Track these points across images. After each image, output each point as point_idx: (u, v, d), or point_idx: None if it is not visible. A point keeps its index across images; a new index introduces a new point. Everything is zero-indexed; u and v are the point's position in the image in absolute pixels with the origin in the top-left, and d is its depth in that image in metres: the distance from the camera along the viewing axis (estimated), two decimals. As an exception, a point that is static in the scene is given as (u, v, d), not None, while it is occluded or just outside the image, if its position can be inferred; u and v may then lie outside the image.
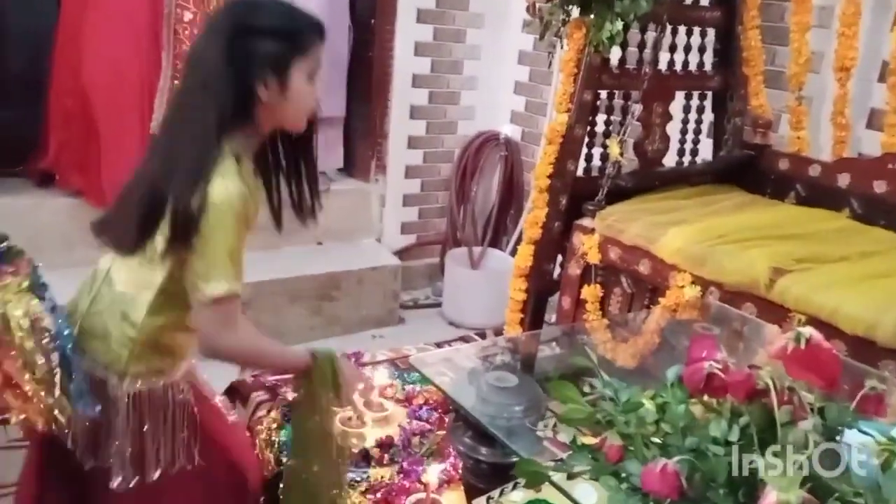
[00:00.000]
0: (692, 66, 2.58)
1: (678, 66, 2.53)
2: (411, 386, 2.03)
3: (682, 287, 1.96)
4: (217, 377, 1.91)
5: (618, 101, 2.44)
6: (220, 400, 1.68)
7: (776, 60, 2.70)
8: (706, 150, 2.69)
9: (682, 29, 2.53)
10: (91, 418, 1.31)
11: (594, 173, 2.42)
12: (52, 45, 2.93)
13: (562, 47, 2.33)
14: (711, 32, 2.60)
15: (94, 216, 1.44)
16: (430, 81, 3.75)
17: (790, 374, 0.85)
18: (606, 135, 2.40)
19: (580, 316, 2.28)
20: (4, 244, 1.29)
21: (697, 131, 2.64)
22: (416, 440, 1.79)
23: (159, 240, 1.29)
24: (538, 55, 3.59)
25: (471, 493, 1.48)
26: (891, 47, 2.25)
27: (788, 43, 2.50)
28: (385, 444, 1.75)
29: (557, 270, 2.50)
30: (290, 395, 1.91)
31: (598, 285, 2.23)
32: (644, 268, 2.11)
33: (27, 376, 1.23)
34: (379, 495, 1.61)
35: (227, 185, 1.25)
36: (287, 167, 1.48)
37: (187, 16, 2.87)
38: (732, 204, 2.33)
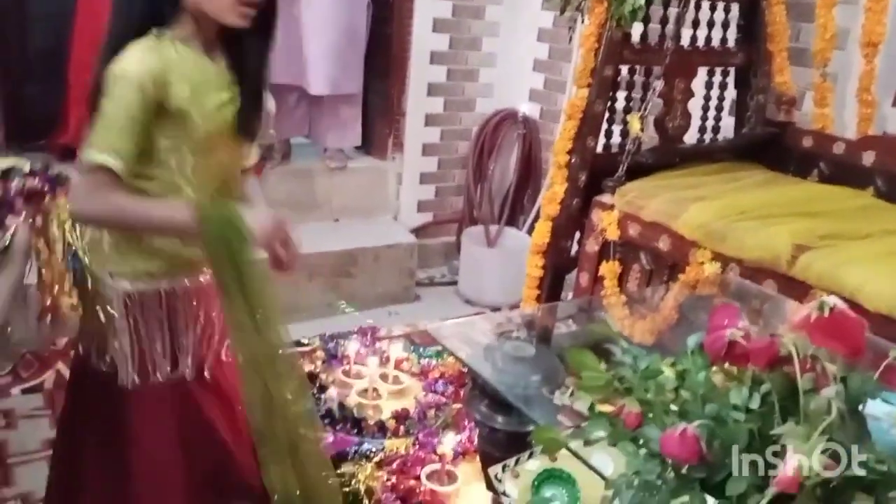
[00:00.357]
0: (715, 42, 2.54)
1: (701, 42, 2.49)
2: (427, 360, 2.04)
3: (702, 263, 1.95)
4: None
5: (639, 78, 2.41)
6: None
7: (801, 37, 2.65)
8: (728, 128, 2.66)
9: (705, 4, 2.48)
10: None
11: (614, 150, 2.40)
12: (73, 22, 2.94)
13: (583, 22, 2.30)
14: (735, 7, 2.55)
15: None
16: (449, 58, 3.72)
17: (814, 342, 0.84)
18: (627, 111, 2.37)
19: (597, 293, 2.27)
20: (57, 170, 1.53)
21: (719, 108, 2.61)
22: (431, 413, 1.80)
23: None
24: (558, 32, 3.55)
25: (486, 461, 1.49)
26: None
27: (814, 19, 2.45)
28: (401, 416, 1.76)
29: (575, 248, 2.48)
30: (307, 367, 1.93)
31: (616, 262, 2.22)
32: (664, 244, 2.10)
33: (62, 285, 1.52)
34: (395, 466, 1.61)
35: (129, 57, 1.26)
36: (234, 70, 1.42)
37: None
38: (754, 181, 2.30)
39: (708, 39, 2.52)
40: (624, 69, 2.37)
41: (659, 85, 2.37)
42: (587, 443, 0.93)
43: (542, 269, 2.42)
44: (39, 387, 2.44)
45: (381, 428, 1.72)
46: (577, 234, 2.45)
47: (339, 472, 1.60)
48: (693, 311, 1.85)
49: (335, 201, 3.60)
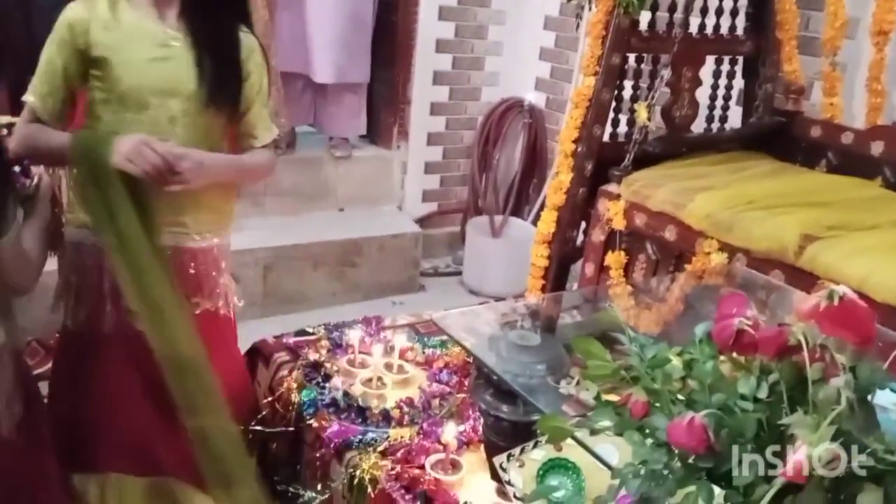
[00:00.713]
0: (724, 30, 2.51)
1: (709, 30, 2.47)
2: (431, 349, 2.03)
3: (709, 254, 1.94)
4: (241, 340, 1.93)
5: (646, 66, 2.39)
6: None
7: (810, 25, 2.63)
8: (735, 117, 2.64)
9: (714, -9, 2.47)
10: None
11: (620, 139, 2.38)
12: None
13: (590, 9, 2.28)
14: (744, -5, 2.53)
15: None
16: (454, 46, 3.70)
17: (823, 331, 0.83)
18: (634, 99, 2.35)
19: (603, 283, 2.26)
20: None
21: (727, 97, 2.59)
22: (436, 402, 1.79)
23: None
24: (564, 20, 3.53)
25: (491, 450, 1.49)
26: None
27: (823, 7, 2.43)
28: (405, 406, 1.76)
29: (580, 237, 2.47)
30: (312, 356, 1.93)
31: (622, 252, 2.21)
32: (670, 234, 2.08)
33: None
34: (399, 455, 1.61)
35: (66, 9, 1.42)
36: (193, 33, 1.47)
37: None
38: (762, 171, 2.29)
39: (716, 27, 2.49)
40: (631, 57, 2.35)
41: (666, 73, 2.35)
42: (593, 432, 0.92)
43: (547, 259, 2.41)
44: (45, 375, 2.44)
45: (386, 417, 1.72)
46: (583, 224, 2.43)
47: (343, 460, 1.61)
48: (699, 301, 1.84)
49: (340, 190, 3.60)
